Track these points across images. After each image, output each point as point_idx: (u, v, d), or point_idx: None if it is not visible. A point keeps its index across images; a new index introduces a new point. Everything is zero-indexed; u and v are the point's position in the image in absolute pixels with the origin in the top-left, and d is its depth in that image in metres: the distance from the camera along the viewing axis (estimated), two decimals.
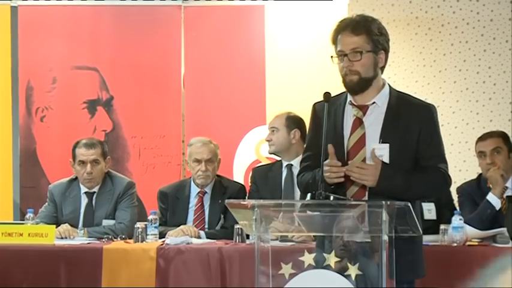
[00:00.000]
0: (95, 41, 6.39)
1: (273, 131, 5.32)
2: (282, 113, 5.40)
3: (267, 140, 5.35)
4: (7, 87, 6.35)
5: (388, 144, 3.34)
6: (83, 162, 5.27)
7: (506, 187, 5.06)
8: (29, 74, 6.36)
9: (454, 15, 6.74)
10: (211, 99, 6.34)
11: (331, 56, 3.42)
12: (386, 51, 3.43)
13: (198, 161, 5.31)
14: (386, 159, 3.32)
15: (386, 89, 3.45)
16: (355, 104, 3.42)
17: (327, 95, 3.37)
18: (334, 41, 3.43)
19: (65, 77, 6.36)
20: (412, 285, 3.39)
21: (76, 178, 5.36)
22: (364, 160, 3.33)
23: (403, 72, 6.71)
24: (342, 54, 3.38)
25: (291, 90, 6.22)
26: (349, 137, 3.38)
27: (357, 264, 3.00)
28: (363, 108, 3.40)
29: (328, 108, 3.35)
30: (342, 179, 3.28)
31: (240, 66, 6.35)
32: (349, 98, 3.43)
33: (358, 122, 3.39)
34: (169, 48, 6.37)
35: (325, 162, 3.26)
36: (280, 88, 6.29)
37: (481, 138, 5.23)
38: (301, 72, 6.25)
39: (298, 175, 3.58)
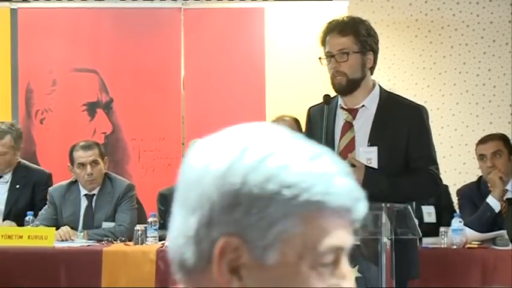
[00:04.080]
0: (95, 43, 6.39)
1: None
2: (284, 116, 5.34)
3: None
4: (7, 89, 6.35)
5: (376, 147, 3.34)
6: (82, 165, 5.27)
7: (506, 190, 5.06)
8: (28, 76, 6.36)
9: (454, 18, 6.73)
10: (211, 101, 6.34)
11: (319, 58, 3.42)
12: (375, 51, 3.44)
13: None
14: (375, 162, 3.32)
15: (376, 91, 3.44)
16: (345, 107, 3.42)
17: (326, 97, 3.38)
18: (323, 43, 3.44)
19: (65, 79, 6.36)
20: (405, 285, 3.38)
21: (76, 181, 5.36)
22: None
23: (402, 75, 6.71)
24: (329, 56, 3.39)
25: (291, 92, 6.21)
26: (339, 140, 3.39)
27: (357, 267, 3.00)
28: (353, 112, 3.41)
29: (322, 112, 3.36)
30: None
31: (240, 68, 6.35)
32: (340, 101, 3.44)
33: (348, 126, 3.40)
34: (169, 50, 6.37)
35: None
36: (280, 90, 6.28)
37: (482, 141, 5.22)
38: (301, 74, 6.24)
39: None
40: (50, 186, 5.49)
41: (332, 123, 3.41)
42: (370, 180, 3.26)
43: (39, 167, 5.79)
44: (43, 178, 5.58)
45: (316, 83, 5.89)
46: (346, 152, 3.36)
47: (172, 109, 6.35)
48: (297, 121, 5.27)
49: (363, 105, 3.41)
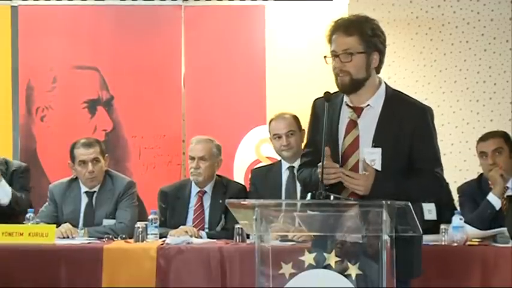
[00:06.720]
0: (96, 40, 6.39)
1: (292, 134, 5.22)
2: (283, 113, 5.33)
3: (285, 145, 5.20)
4: (7, 86, 6.35)
5: (380, 149, 3.32)
6: (83, 162, 5.27)
7: (507, 187, 5.06)
8: (29, 73, 6.36)
9: (454, 15, 6.73)
10: (212, 99, 6.34)
11: (324, 56, 3.42)
12: (381, 51, 3.40)
13: (192, 158, 5.33)
14: (378, 163, 3.30)
15: (382, 89, 3.42)
16: (350, 105, 3.41)
17: (327, 94, 3.37)
18: (330, 41, 3.43)
19: (65, 77, 6.36)
20: (407, 285, 3.38)
21: (76, 178, 5.37)
22: (357, 163, 3.32)
23: (403, 72, 6.71)
24: (334, 55, 3.38)
25: (291, 89, 6.21)
26: (344, 138, 3.37)
27: (357, 264, 3.00)
28: (358, 110, 3.39)
29: (327, 107, 3.35)
30: (339, 180, 3.27)
31: (241, 65, 6.36)
32: (346, 98, 3.43)
33: (353, 124, 3.38)
34: (170, 47, 6.37)
35: (319, 164, 3.25)
36: (280, 88, 6.28)
37: (482, 139, 5.22)
38: (301, 71, 6.24)
39: (298, 170, 3.59)
40: (27, 174, 5.55)
41: (336, 120, 3.40)
42: (378, 185, 3.25)
43: (19, 162, 5.78)
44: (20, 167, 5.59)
45: (316, 80, 5.89)
46: (350, 151, 3.34)
47: (173, 106, 6.36)
48: (296, 118, 5.26)
49: (368, 105, 3.39)
